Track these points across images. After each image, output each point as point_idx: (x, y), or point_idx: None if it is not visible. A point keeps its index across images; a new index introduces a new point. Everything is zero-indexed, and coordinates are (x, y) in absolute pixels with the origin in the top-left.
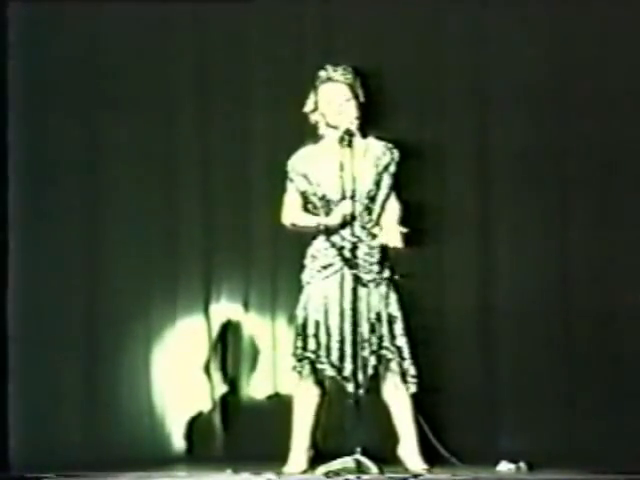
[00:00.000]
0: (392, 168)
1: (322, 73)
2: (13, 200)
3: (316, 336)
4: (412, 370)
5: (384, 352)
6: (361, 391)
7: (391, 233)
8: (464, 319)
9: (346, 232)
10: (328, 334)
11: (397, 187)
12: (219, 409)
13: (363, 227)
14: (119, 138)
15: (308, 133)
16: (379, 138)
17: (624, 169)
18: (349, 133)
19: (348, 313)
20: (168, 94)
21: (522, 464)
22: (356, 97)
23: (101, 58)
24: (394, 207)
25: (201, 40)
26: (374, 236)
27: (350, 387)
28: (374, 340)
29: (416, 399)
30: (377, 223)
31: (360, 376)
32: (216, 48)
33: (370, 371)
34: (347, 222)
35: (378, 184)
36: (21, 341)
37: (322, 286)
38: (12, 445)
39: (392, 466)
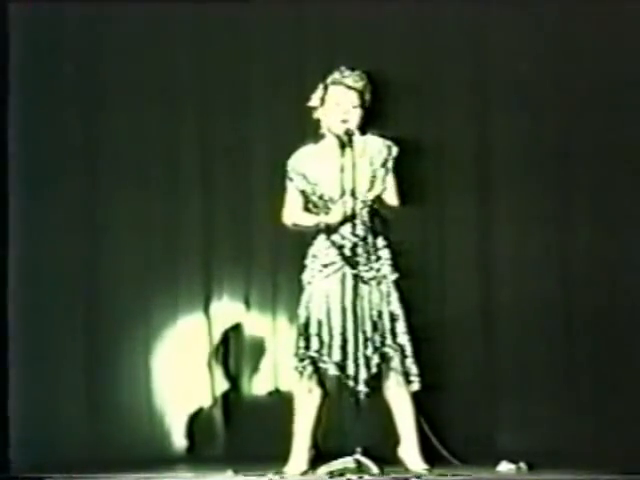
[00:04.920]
0: (390, 164)
1: (336, 74)
2: (13, 200)
3: (319, 335)
4: (414, 369)
5: (387, 350)
6: (365, 389)
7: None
8: (464, 318)
9: (346, 231)
10: (330, 333)
11: (398, 185)
12: (220, 408)
13: (363, 224)
14: (119, 138)
15: (308, 133)
16: (380, 135)
17: (626, 167)
18: (349, 132)
19: (350, 311)
20: (168, 94)
21: (522, 464)
22: (363, 104)
23: (101, 58)
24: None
25: (201, 40)
26: (375, 233)
27: (353, 385)
28: (377, 338)
29: (417, 399)
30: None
31: (364, 374)
32: (216, 48)
33: (374, 369)
34: (347, 219)
35: (374, 180)
36: (21, 341)
37: (323, 285)
38: (12, 445)
39: (393, 466)
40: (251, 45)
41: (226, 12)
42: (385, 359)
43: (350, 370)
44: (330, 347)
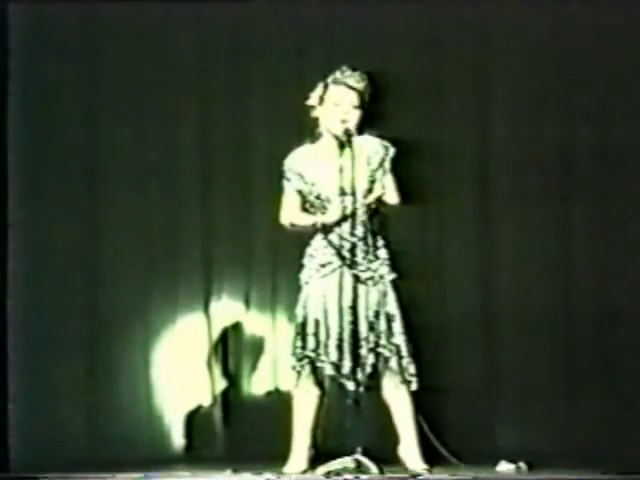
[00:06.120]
0: (387, 164)
1: (337, 74)
2: (13, 200)
3: (316, 335)
4: (411, 368)
5: (382, 350)
6: (360, 389)
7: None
8: (465, 318)
9: (344, 230)
10: (327, 333)
11: (398, 184)
12: (219, 407)
13: (362, 224)
14: (119, 138)
15: (308, 133)
16: (379, 136)
17: (627, 167)
18: (348, 133)
19: (347, 311)
20: (168, 94)
21: (522, 464)
22: (362, 105)
23: (101, 58)
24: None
25: (201, 40)
26: (373, 233)
27: (349, 385)
28: (372, 338)
29: (416, 398)
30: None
31: (359, 374)
32: (216, 48)
33: (368, 369)
34: (345, 219)
35: (373, 181)
36: (21, 340)
37: (320, 285)
38: (12, 445)
39: (392, 466)
40: (251, 45)
41: (226, 12)
42: (381, 359)
43: (345, 369)
44: (327, 347)
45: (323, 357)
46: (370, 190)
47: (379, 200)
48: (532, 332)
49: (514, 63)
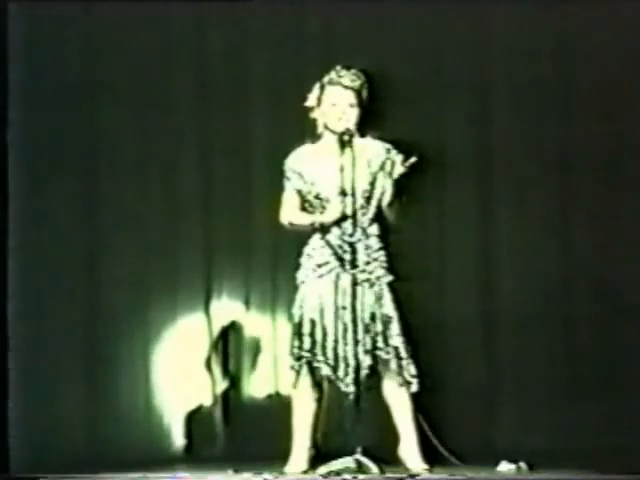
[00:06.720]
0: (388, 167)
1: (332, 74)
2: (13, 199)
3: (312, 335)
4: (412, 369)
5: (378, 352)
6: (356, 390)
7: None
8: (465, 319)
9: (343, 231)
10: (324, 333)
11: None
12: (220, 407)
13: (360, 225)
14: (119, 137)
15: (308, 133)
16: (380, 139)
17: (627, 168)
18: (349, 133)
19: (342, 312)
20: (168, 94)
21: (522, 464)
22: (360, 103)
23: (101, 58)
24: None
25: (201, 40)
26: (369, 236)
27: (344, 386)
28: (368, 340)
29: (416, 399)
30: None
31: (354, 375)
32: (216, 48)
33: (365, 371)
34: (343, 219)
35: (373, 183)
36: (20, 341)
37: (317, 285)
38: (12, 445)
39: (392, 466)
40: (251, 45)
41: (226, 12)
42: (378, 361)
43: (341, 371)
44: (323, 347)
45: (319, 357)
46: (370, 192)
47: (379, 202)
48: (532, 332)
49: (514, 63)
